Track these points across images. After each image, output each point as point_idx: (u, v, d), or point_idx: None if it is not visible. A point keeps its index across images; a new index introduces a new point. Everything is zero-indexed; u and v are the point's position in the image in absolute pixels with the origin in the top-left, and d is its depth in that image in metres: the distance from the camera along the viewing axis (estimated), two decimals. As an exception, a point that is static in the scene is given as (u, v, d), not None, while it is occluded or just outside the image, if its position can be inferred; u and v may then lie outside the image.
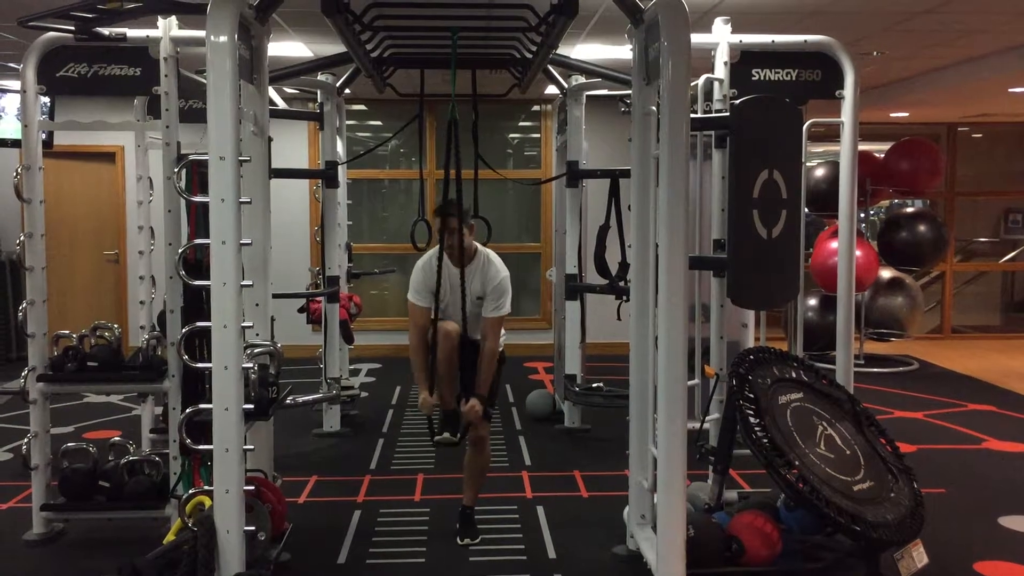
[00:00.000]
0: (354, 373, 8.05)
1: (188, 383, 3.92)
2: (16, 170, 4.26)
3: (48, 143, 5.20)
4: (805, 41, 4.67)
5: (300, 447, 6.04)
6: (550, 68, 5.92)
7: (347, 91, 6.53)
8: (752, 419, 3.65)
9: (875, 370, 8.52)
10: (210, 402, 3.16)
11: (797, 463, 3.53)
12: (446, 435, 4.16)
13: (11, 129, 6.82)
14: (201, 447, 3.34)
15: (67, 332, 4.50)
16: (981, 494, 5.11)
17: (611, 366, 6.96)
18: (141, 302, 5.32)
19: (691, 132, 3.64)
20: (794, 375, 4.00)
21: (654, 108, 3.45)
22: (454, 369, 4.18)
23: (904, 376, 8.51)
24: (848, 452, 3.79)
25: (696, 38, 3.66)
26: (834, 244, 5.78)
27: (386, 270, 8.67)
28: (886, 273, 8.86)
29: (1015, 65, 6.72)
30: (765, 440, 3.59)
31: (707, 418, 4.65)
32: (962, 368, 8.82)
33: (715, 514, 3.91)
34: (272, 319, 3.96)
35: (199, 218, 3.62)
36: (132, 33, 4.15)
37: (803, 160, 4.34)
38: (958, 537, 4.40)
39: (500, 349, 4.22)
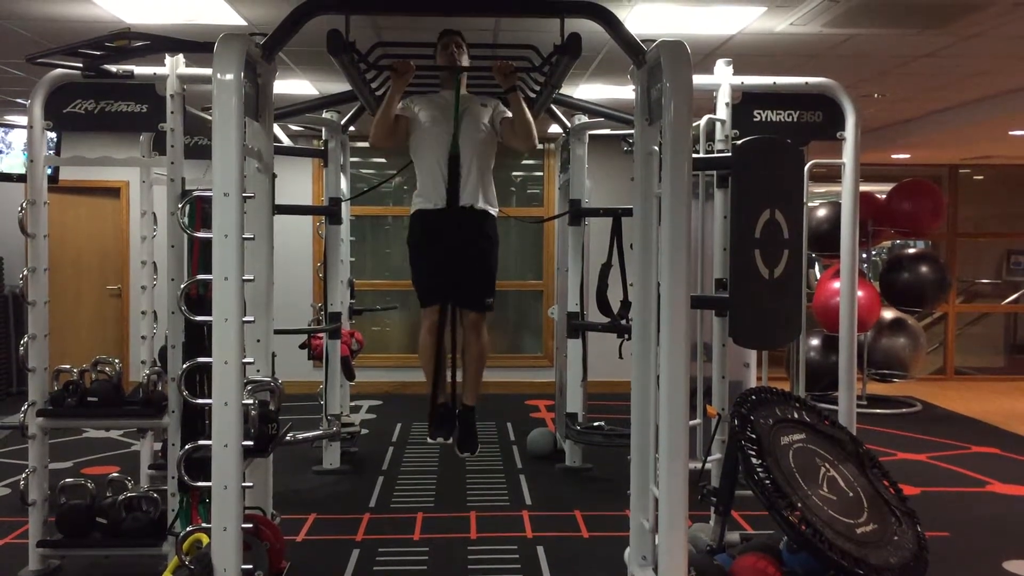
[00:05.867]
0: (355, 410, 8.02)
1: (188, 419, 3.91)
2: (21, 205, 4.28)
3: (54, 178, 5.23)
4: (806, 83, 4.71)
5: (299, 484, 6.00)
6: (553, 107, 5.96)
7: (351, 128, 6.58)
8: (754, 460, 3.62)
9: (878, 411, 8.48)
10: (209, 438, 3.14)
11: (800, 505, 3.50)
12: (440, 439, 4.20)
13: (17, 164, 6.87)
14: (200, 484, 3.31)
15: (67, 367, 4.49)
16: (985, 538, 5.06)
17: (613, 405, 6.93)
18: (143, 337, 5.32)
19: (693, 172, 3.65)
20: (796, 416, 3.98)
21: (656, 148, 3.47)
22: (442, 365, 4.19)
23: (907, 418, 8.47)
24: (851, 494, 3.76)
25: (698, 79, 3.69)
26: (836, 284, 5.78)
27: (388, 307, 8.67)
28: (888, 314, 8.85)
29: (1015, 108, 6.77)
30: (767, 481, 3.56)
31: (709, 458, 4.62)
32: (965, 410, 8.78)
33: (717, 556, 3.86)
34: (273, 355, 3.96)
35: (202, 254, 3.63)
36: (139, 70, 4.19)
37: (805, 200, 4.35)
38: (963, 581, 4.36)
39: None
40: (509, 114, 4.27)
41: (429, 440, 4.37)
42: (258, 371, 3.77)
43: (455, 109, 4.15)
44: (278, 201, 4.15)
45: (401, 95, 4.13)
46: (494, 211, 4.33)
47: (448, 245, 4.18)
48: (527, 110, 4.19)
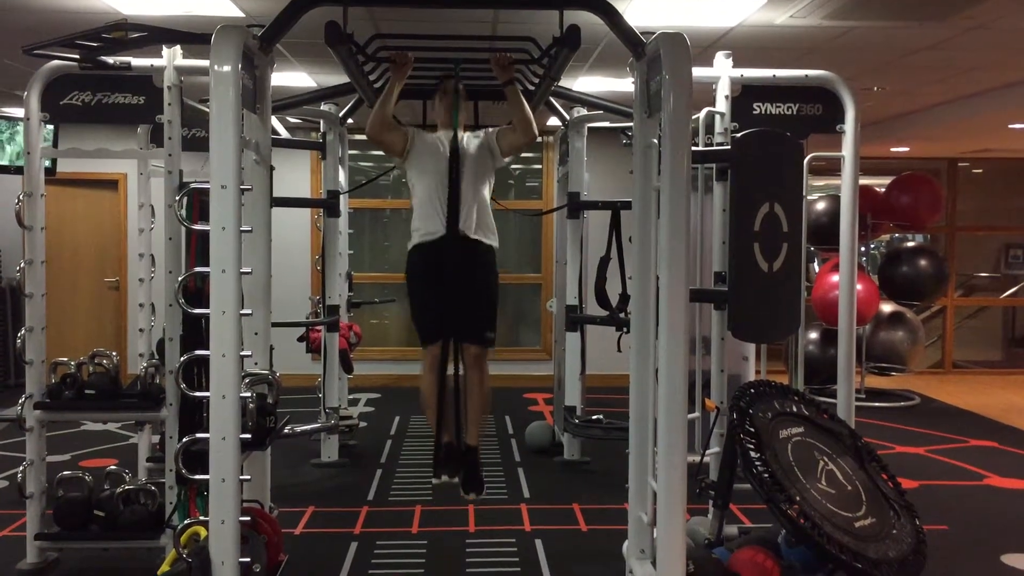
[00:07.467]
0: (353, 403, 8.01)
1: (186, 412, 3.90)
2: (18, 197, 4.26)
3: (52, 170, 5.21)
4: (806, 76, 4.70)
5: (298, 477, 6.00)
6: (552, 100, 5.95)
7: (350, 121, 6.56)
8: (753, 453, 3.62)
9: (876, 404, 8.49)
10: (207, 431, 3.14)
11: (798, 498, 3.50)
12: (444, 478, 4.10)
13: (14, 155, 6.85)
14: (197, 477, 3.31)
15: (65, 359, 4.48)
16: (983, 531, 5.06)
17: (611, 398, 6.93)
18: (140, 329, 5.31)
19: (692, 165, 3.65)
20: (795, 409, 3.98)
21: (655, 141, 3.46)
22: (447, 399, 4.13)
23: (905, 411, 8.47)
24: (849, 488, 3.76)
25: (697, 72, 3.67)
26: (835, 278, 5.78)
27: (386, 300, 8.65)
28: (887, 307, 8.85)
29: (1015, 101, 6.76)
30: (766, 475, 3.56)
31: (707, 452, 4.62)
32: (963, 403, 8.79)
33: (715, 549, 3.87)
34: (271, 348, 3.95)
35: (200, 246, 3.62)
36: (136, 62, 4.17)
37: (804, 194, 4.34)
38: (961, 575, 4.36)
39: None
40: (503, 126, 4.23)
41: (434, 481, 4.22)
42: (256, 364, 3.76)
43: (453, 131, 4.11)
44: (276, 194, 4.14)
45: (401, 87, 4.10)
46: (493, 242, 4.25)
47: (447, 276, 4.09)
48: (525, 102, 4.17)
